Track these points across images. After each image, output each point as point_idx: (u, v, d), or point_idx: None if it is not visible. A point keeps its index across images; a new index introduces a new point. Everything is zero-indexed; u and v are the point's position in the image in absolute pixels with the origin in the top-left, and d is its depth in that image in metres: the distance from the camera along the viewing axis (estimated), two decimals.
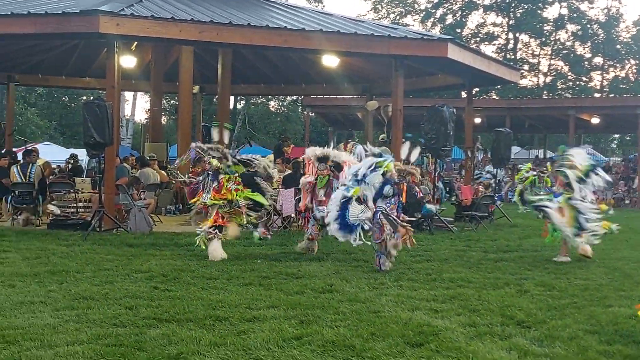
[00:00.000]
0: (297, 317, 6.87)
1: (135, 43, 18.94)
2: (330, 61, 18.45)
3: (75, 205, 15.48)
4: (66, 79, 25.59)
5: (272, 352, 5.66)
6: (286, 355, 5.61)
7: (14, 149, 21.21)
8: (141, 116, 54.82)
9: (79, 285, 8.37)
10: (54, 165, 20.96)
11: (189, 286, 8.42)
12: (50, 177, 17.35)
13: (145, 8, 15.25)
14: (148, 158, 18.18)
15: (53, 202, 15.45)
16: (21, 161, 16.22)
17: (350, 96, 28.20)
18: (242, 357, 5.55)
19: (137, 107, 56.60)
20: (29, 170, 15.17)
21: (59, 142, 43.56)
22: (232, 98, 33.19)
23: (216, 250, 10.73)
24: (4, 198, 15.41)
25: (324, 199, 11.06)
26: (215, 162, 10.99)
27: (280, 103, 56.88)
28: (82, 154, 22.93)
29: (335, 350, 5.76)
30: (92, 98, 21.92)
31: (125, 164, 16.88)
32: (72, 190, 15.91)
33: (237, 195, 10.97)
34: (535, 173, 12.87)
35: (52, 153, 29.90)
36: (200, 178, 11.32)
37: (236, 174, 11.11)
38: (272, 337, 6.07)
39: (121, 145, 26.41)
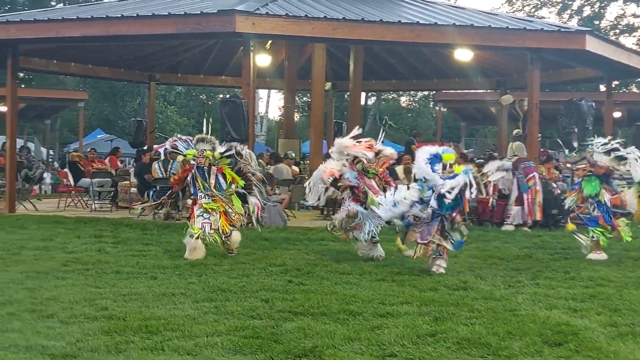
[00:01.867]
0: (431, 313, 6.83)
1: (270, 41, 19.28)
2: (463, 55, 18.20)
3: None
4: (204, 78, 26.38)
5: (406, 348, 5.64)
6: (421, 351, 5.58)
7: (155, 146, 22.02)
8: (275, 113, 55.88)
9: (217, 278, 8.62)
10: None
11: (322, 280, 8.52)
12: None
13: (280, 7, 15.51)
14: (288, 157, 18.51)
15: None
16: (162, 157, 16.85)
17: (484, 90, 27.71)
18: (377, 352, 5.56)
19: (271, 104, 57.67)
20: (169, 166, 15.75)
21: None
22: (363, 94, 33.27)
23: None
24: (146, 193, 16.07)
25: None
26: (210, 153, 10.20)
27: (412, 98, 56.59)
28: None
29: (470, 347, 5.70)
30: (228, 96, 22.46)
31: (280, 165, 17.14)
32: None
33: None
34: None
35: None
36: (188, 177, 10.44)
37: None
38: (406, 333, 6.06)
39: (256, 142, 26.97)
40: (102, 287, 7.89)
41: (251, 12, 14.51)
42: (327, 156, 11.64)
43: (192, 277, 8.61)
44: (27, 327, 6.12)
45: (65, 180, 20.36)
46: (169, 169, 15.74)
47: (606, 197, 10.81)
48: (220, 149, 10.39)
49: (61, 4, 48.77)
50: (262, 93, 47.81)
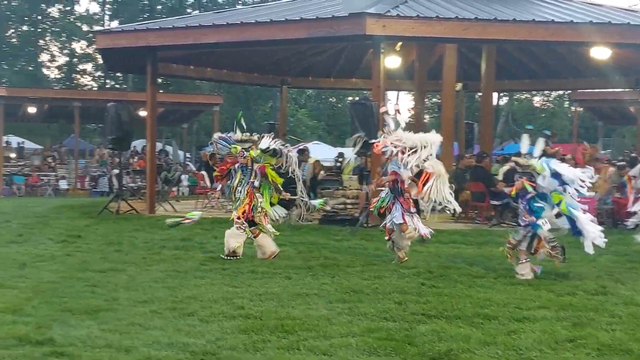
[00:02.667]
0: (569, 318, 6.65)
1: (400, 43, 19.25)
2: (600, 53, 17.59)
3: (344, 202, 16.06)
4: (334, 81, 26.63)
5: (544, 354, 5.52)
6: (559, 357, 5.45)
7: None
8: (404, 115, 55.61)
9: (349, 279, 8.68)
10: (324, 164, 21.87)
11: (456, 283, 8.43)
12: (320, 175, 18.14)
13: (410, 8, 15.47)
14: None
15: (324, 199, 16.11)
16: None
17: (622, 89, 26.71)
18: (513, 357, 5.46)
19: (399, 105, 57.44)
20: (301, 169, 15.98)
21: (327, 141, 45.36)
22: (494, 94, 32.73)
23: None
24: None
25: None
26: (252, 152, 10.23)
27: (546, 98, 55.19)
28: (349, 153, 23.69)
29: (611, 354, 5.52)
30: (357, 98, 22.61)
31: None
32: (340, 188, 16.53)
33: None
34: None
35: (321, 152, 31.20)
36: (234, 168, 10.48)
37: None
38: (543, 338, 5.92)
39: None
40: (239, 287, 8.09)
41: (382, 14, 14.55)
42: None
43: (325, 278, 8.70)
44: (168, 324, 6.35)
45: (202, 182, 20.99)
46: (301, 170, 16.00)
47: None
48: (261, 145, 10.33)
49: (197, 11, 50.36)
50: (391, 94, 47.73)
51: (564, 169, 8.97)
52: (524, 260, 8.94)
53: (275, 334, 6.02)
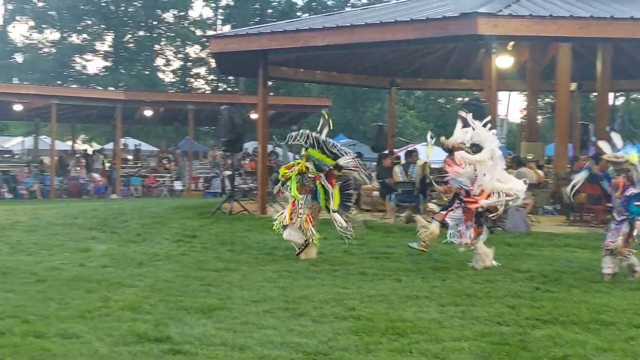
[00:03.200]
0: None
1: (512, 42, 18.92)
2: None
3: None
4: (444, 81, 26.40)
5: None
6: None
7: (395, 150, 22.35)
8: (516, 115, 54.76)
9: (461, 282, 8.61)
10: (433, 166, 21.69)
11: (570, 288, 8.24)
12: (430, 177, 18.00)
13: (523, 7, 15.18)
14: (527, 158, 18.06)
15: (433, 201, 16.01)
16: (403, 161, 17.07)
17: None
18: None
19: (511, 106, 56.51)
20: (410, 170, 15.94)
21: (436, 143, 44.91)
22: (610, 94, 31.72)
23: None
24: (388, 196, 16.37)
25: None
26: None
27: None
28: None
29: None
30: (468, 99, 22.34)
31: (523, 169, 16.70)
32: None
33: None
34: None
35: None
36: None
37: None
38: None
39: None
40: (349, 288, 8.14)
41: (493, 13, 14.33)
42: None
43: (436, 281, 8.65)
44: (281, 324, 6.46)
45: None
46: (409, 172, 15.95)
47: None
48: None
49: (306, 14, 50.88)
50: (502, 95, 47.03)
51: None
52: (629, 255, 8.73)
53: (386, 336, 6.04)
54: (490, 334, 6.10)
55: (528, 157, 18.22)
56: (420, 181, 15.86)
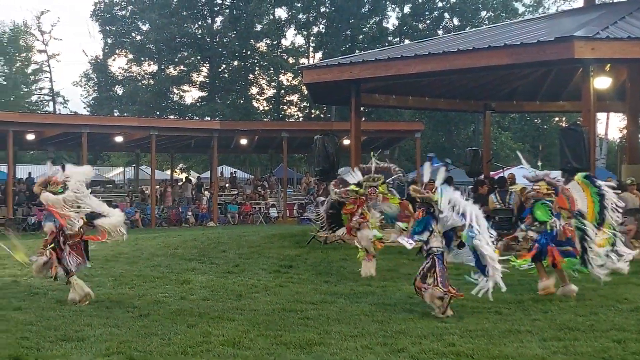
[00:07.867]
0: None
1: (609, 64, 18.50)
2: None
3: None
4: (540, 104, 25.92)
5: None
6: None
7: (491, 173, 22.04)
8: (614, 134, 53.33)
9: (563, 315, 8.42)
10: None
11: None
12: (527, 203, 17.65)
13: (620, 29, 14.87)
14: (627, 182, 17.53)
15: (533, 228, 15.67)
16: (498, 188, 16.81)
17: None
18: None
19: (610, 125, 55.05)
20: (507, 197, 15.67)
21: (533, 165, 43.99)
22: None
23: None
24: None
25: None
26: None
27: None
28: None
29: None
30: (566, 124, 21.91)
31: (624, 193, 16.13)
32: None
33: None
34: None
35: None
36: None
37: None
38: None
39: (596, 167, 25.94)
40: (448, 322, 8.06)
41: (590, 37, 14.06)
42: None
43: (537, 314, 8.49)
44: None
45: (405, 210, 21.00)
46: (506, 200, 15.69)
47: None
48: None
49: (397, 39, 50.90)
50: (601, 114, 45.87)
51: None
52: None
53: None
54: None
55: (628, 181, 17.68)
56: (519, 208, 15.57)
